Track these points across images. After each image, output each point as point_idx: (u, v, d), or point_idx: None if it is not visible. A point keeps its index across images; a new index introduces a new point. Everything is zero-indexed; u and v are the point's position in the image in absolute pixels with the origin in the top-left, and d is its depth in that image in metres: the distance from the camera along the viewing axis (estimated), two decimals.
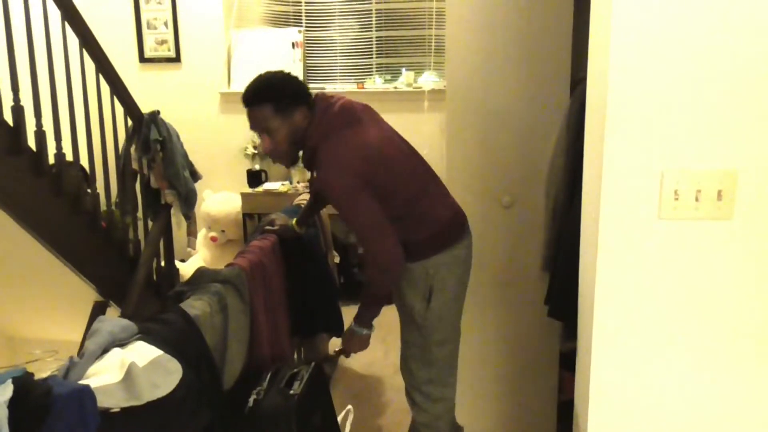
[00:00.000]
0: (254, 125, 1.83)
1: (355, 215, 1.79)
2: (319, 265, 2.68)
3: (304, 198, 2.84)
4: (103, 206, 3.05)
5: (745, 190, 1.40)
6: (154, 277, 3.32)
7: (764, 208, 1.40)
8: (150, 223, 3.35)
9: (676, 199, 1.41)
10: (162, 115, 3.16)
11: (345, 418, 2.57)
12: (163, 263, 3.44)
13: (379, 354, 3.44)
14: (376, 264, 1.85)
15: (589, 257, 1.56)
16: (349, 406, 2.63)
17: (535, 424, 2.61)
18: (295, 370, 1.86)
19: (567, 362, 2.50)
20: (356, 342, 2.05)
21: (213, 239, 4.17)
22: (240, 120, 4.74)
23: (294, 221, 2.37)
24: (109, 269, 3.02)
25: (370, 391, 3.11)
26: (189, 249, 4.11)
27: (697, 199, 1.41)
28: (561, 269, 1.84)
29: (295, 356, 2.66)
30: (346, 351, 2.14)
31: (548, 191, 2.25)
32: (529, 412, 2.57)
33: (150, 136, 3.08)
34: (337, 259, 3.13)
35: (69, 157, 2.67)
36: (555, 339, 2.47)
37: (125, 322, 1.41)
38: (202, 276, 1.87)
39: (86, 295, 2.98)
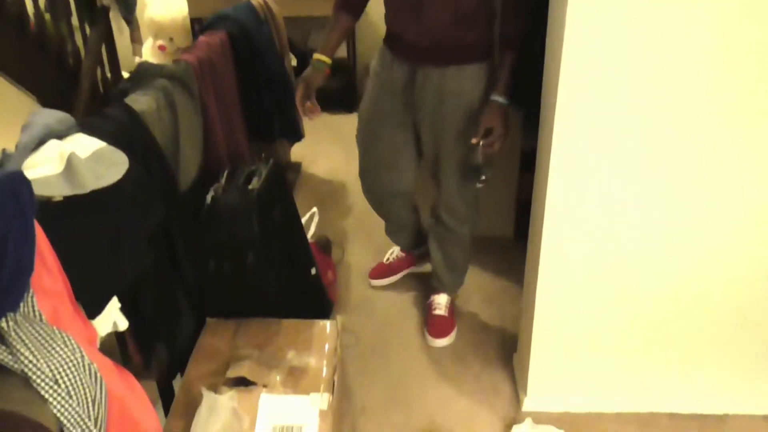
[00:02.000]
0: None
1: None
2: (273, 66, 2.55)
3: None
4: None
5: None
6: (101, 88, 3.14)
7: None
8: (88, 30, 3.09)
9: None
10: None
11: (310, 220, 2.60)
12: (109, 74, 3.24)
13: (341, 162, 3.43)
14: None
15: (556, 41, 1.47)
16: (314, 209, 2.65)
17: (494, 220, 2.69)
18: (253, 167, 1.81)
19: (527, 163, 2.51)
20: (505, 118, 1.75)
21: (161, 48, 3.89)
22: None
23: (316, 57, 1.97)
24: (49, 80, 2.83)
25: (333, 195, 3.14)
26: (136, 58, 3.88)
27: None
28: (525, 57, 1.76)
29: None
30: (496, 132, 1.74)
31: None
32: (489, 209, 2.62)
33: None
34: (294, 62, 2.97)
35: None
36: (516, 138, 2.46)
37: (61, 114, 1.31)
38: (146, 71, 1.74)
39: (28, 107, 2.82)
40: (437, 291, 2.33)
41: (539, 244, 1.69)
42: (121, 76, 3.36)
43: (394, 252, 2.59)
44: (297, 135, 2.83)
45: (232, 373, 1.56)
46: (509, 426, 1.86)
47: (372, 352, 2.21)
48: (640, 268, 1.70)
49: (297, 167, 3.36)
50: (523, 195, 2.59)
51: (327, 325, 1.77)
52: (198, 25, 3.92)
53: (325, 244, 2.59)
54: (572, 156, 1.54)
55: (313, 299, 2.09)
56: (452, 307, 2.33)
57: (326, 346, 1.70)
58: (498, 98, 1.75)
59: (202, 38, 2.09)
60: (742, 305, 1.75)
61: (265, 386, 1.54)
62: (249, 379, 1.55)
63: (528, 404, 1.94)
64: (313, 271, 2.08)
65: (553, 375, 1.90)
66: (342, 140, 3.69)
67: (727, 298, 1.74)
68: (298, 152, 3.39)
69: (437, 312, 2.29)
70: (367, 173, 2.21)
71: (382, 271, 2.56)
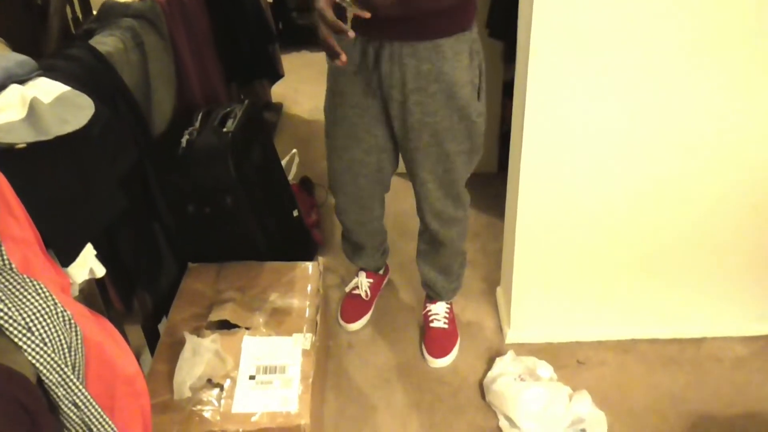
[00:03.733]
0: None
1: None
2: (248, 4, 2.47)
3: None
4: None
5: None
6: (73, 29, 3.04)
7: None
8: None
9: None
10: None
11: (290, 162, 2.57)
12: (79, 14, 3.13)
13: (324, 102, 3.37)
14: None
15: None
16: (294, 150, 2.62)
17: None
18: (228, 109, 1.77)
19: (510, 91, 2.48)
20: None
21: None
22: None
23: None
24: (16, 20, 2.72)
25: (316, 135, 3.09)
26: None
27: None
28: None
29: None
30: None
31: None
32: None
33: None
34: None
35: None
36: (498, 68, 2.41)
37: (21, 56, 1.26)
38: (111, 10, 1.68)
39: None
40: (432, 299, 2.00)
41: (518, 174, 1.68)
42: (93, 15, 3.25)
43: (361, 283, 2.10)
44: (276, 74, 2.78)
45: (215, 316, 1.57)
46: (493, 358, 1.90)
47: None
48: (616, 195, 1.70)
49: (278, 108, 3.30)
50: (506, 127, 2.56)
51: (309, 266, 1.78)
52: None
53: (307, 186, 2.57)
54: (548, 82, 1.52)
55: (296, 241, 2.09)
56: (452, 314, 2.00)
57: (309, 287, 1.71)
58: None
59: None
60: (716, 232, 1.76)
61: (247, 328, 1.55)
62: (231, 322, 1.56)
63: (511, 336, 1.98)
64: (296, 212, 2.07)
65: (535, 307, 1.93)
66: (325, 79, 3.61)
67: (701, 224, 1.75)
68: (279, 92, 3.32)
69: (435, 324, 1.96)
70: (338, 178, 1.74)
71: (356, 309, 2.08)
